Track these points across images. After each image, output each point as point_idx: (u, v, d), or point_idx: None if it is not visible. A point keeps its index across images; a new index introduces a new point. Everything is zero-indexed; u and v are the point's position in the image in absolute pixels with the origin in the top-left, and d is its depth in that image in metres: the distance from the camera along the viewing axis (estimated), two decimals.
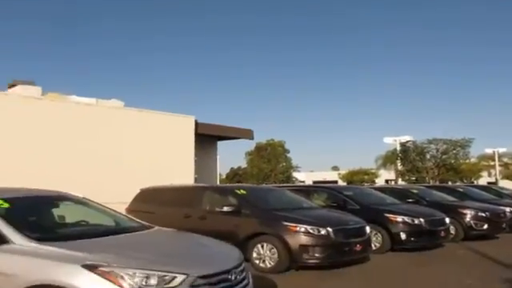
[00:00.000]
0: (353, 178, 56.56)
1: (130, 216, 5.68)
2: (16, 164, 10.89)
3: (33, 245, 3.88)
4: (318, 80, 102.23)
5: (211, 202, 9.31)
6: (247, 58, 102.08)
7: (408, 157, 45.64)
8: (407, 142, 46.26)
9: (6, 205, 4.43)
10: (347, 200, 11.16)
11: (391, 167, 50.12)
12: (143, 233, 5.03)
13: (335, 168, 68.77)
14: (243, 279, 4.43)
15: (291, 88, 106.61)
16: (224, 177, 55.47)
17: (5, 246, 3.89)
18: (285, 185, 17.91)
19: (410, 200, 12.83)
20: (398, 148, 46.55)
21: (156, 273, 3.62)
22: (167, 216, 9.47)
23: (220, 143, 18.72)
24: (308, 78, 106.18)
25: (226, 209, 8.59)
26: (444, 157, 45.08)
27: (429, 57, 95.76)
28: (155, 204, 9.89)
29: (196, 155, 14.91)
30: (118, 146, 12.93)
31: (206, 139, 16.40)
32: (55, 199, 5.43)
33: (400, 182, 43.78)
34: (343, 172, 60.88)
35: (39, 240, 3.95)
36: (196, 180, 14.43)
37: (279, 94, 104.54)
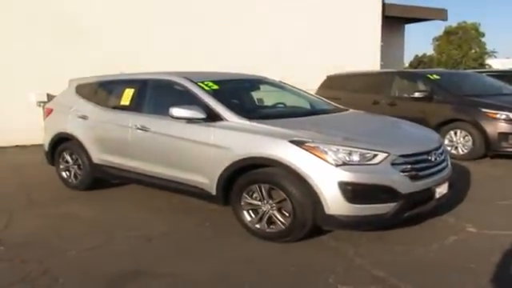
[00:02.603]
0: None
1: (324, 98, 5.83)
2: (203, 48, 11.40)
3: (244, 122, 4.30)
4: None
5: (401, 87, 9.04)
6: None
7: None
8: None
9: (216, 86, 4.90)
10: None
11: None
12: (340, 114, 5.19)
13: None
14: (442, 161, 4.35)
15: None
16: (407, 65, 52.54)
17: (219, 123, 4.39)
18: (483, 70, 16.15)
19: None
20: None
21: (358, 150, 3.76)
22: (354, 102, 9.50)
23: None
24: None
25: (417, 94, 8.30)
26: None
27: None
28: (342, 90, 9.97)
29: (382, 40, 14.21)
30: (301, 31, 12.78)
31: (393, 22, 15.38)
32: (255, 82, 5.86)
33: None
34: None
35: (249, 118, 4.35)
36: (382, 67, 13.93)
37: None
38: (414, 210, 3.95)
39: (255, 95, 5.79)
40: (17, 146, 9.69)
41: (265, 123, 4.23)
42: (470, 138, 7.61)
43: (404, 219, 3.94)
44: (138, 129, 5.01)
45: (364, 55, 13.31)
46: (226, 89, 5.04)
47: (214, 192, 4.35)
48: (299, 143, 3.82)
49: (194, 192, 4.58)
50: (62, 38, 9.90)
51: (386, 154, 3.78)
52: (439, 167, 4.23)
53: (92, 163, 5.63)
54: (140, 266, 3.66)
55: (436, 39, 50.81)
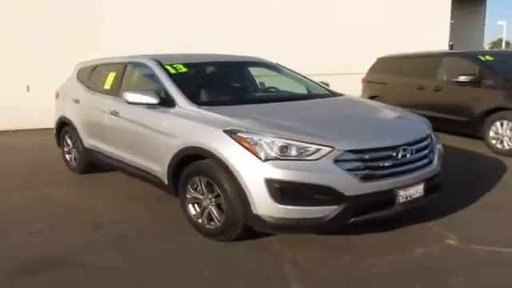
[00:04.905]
0: None
1: (319, 83, 5.25)
2: (252, 33, 10.85)
3: (193, 108, 3.96)
4: None
5: (449, 71, 7.98)
6: None
7: None
8: None
9: (185, 69, 4.58)
10: None
11: None
12: (318, 100, 4.63)
13: None
14: (420, 159, 3.67)
15: None
16: (503, 46, 47.79)
17: (172, 109, 4.09)
18: None
19: None
20: None
21: (297, 143, 3.28)
22: (399, 87, 8.75)
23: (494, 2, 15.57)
24: None
25: (462, 78, 7.27)
26: None
27: None
28: (390, 74, 9.20)
29: (453, 18, 12.73)
30: (355, 11, 11.82)
31: None
32: (242, 65, 5.43)
33: None
34: None
35: (199, 104, 4.00)
36: (451, 48, 12.57)
37: None
38: (366, 215, 3.37)
39: (244, 78, 5.35)
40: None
41: (212, 110, 3.85)
42: None
43: (355, 224, 3.39)
44: (112, 114, 4.89)
45: (430, 35, 11.97)
46: (196, 72, 4.73)
47: (166, 181, 4.11)
48: (231, 133, 3.42)
49: (152, 180, 4.37)
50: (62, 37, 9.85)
51: (329, 149, 3.25)
52: (410, 166, 3.56)
53: (84, 147, 5.64)
54: (66, 254, 3.57)
55: None
